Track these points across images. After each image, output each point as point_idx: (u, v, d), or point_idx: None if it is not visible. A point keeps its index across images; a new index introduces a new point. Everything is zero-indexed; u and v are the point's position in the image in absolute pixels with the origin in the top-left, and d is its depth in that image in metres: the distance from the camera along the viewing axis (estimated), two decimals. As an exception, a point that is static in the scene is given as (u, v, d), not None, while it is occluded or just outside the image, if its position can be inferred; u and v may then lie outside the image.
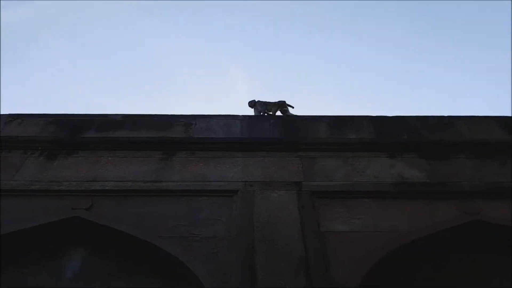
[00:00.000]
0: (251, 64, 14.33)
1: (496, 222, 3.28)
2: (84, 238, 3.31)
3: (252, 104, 5.22)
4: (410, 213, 3.37)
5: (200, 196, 3.49)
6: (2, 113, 4.34)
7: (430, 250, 3.23)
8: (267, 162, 3.83)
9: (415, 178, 3.70)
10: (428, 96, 12.82)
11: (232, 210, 3.37)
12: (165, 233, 3.20)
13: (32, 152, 3.92)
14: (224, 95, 13.79)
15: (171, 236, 3.18)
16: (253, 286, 2.81)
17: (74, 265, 3.19)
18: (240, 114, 4.45)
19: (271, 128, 4.26)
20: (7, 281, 3.08)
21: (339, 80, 13.56)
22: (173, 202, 3.46)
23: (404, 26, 13.11)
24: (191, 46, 13.45)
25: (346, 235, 3.20)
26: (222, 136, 4.11)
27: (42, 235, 3.28)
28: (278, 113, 5.12)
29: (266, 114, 5.13)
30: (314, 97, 12.94)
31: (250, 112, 5.32)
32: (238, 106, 12.97)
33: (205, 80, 13.61)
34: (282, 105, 5.03)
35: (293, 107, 5.10)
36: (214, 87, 14.10)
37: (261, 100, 5.24)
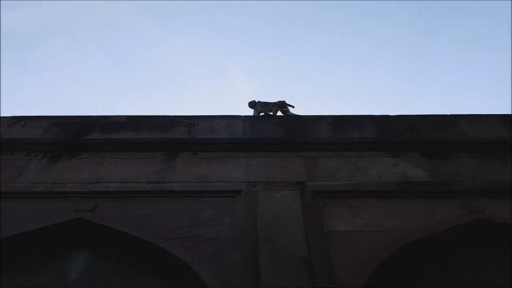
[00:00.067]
0: (251, 64, 14.30)
1: (499, 221, 3.27)
2: (85, 239, 3.32)
3: (252, 104, 5.20)
4: (413, 212, 3.36)
5: (203, 197, 3.50)
6: (5, 115, 4.36)
7: (433, 249, 3.22)
8: (270, 162, 3.84)
9: (418, 177, 3.69)
10: (428, 95, 12.76)
11: (235, 210, 3.37)
12: (169, 234, 3.21)
13: (35, 154, 3.93)
14: (224, 95, 13.76)
15: (175, 237, 3.18)
16: (257, 286, 2.82)
17: (75, 266, 3.20)
18: (241, 114, 4.46)
19: (274, 128, 4.27)
20: (7, 282, 3.10)
21: (339, 80, 13.51)
22: (176, 203, 3.47)
23: (404, 26, 13.05)
24: (191, 46, 13.42)
25: (349, 235, 3.20)
26: (224, 137, 4.11)
27: (44, 237, 3.28)
28: (279, 113, 5.11)
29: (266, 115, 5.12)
30: (315, 97, 12.90)
31: (251, 112, 5.31)
32: (238, 106, 12.91)
33: (205, 80, 13.59)
34: (282, 105, 5.00)
35: (293, 107, 5.07)
36: (214, 87, 14.07)
37: (261, 100, 5.23)
